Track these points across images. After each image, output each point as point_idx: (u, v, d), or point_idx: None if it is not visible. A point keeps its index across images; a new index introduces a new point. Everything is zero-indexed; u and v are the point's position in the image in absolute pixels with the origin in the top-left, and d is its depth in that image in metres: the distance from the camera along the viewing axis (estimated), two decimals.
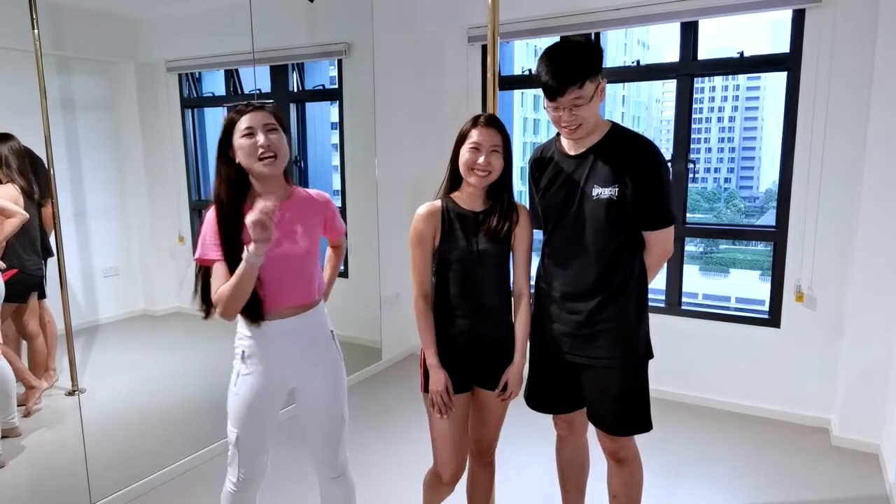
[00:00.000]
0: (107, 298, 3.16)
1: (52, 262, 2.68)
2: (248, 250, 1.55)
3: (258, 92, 3.56)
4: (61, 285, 2.58)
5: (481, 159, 1.75)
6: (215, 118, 3.82)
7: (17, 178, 2.62)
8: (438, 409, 1.84)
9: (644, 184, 1.74)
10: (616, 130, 1.81)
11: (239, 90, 3.85)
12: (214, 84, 3.85)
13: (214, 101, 3.85)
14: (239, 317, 1.72)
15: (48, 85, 2.38)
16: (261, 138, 1.62)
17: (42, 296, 2.82)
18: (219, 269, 1.65)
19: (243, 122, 1.64)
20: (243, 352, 1.74)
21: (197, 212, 3.72)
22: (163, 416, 3.18)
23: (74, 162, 2.94)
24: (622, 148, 1.78)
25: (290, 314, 1.74)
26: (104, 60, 3.11)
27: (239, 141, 1.64)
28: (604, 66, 1.75)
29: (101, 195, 3.11)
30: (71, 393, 2.82)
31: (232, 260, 1.62)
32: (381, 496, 2.61)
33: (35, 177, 2.65)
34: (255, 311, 1.68)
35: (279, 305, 1.72)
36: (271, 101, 1.72)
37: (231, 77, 3.84)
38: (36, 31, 2.32)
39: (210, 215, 1.68)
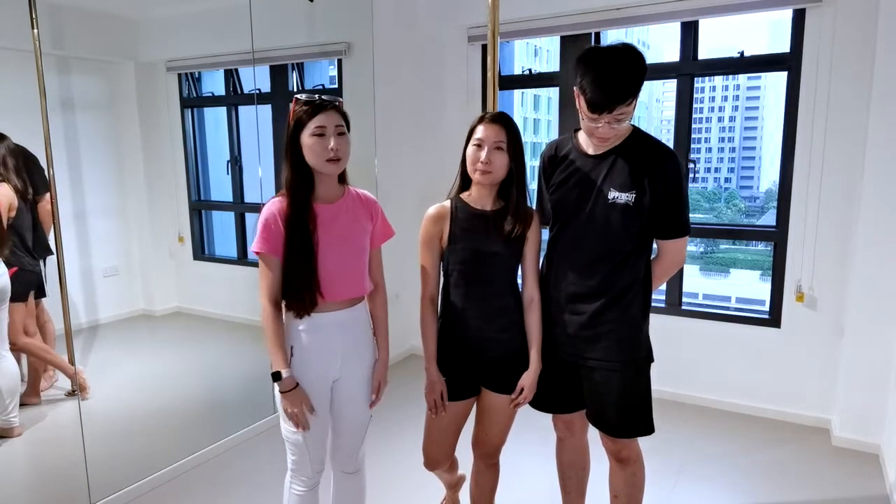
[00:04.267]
0: (106, 298, 3.16)
1: (51, 262, 2.67)
2: (282, 384, 1.69)
3: (258, 91, 3.56)
4: (61, 285, 2.57)
5: (483, 155, 1.73)
6: (215, 118, 3.82)
7: (13, 178, 2.61)
8: (430, 409, 1.88)
9: (664, 193, 1.72)
10: (637, 134, 1.79)
11: (239, 90, 3.85)
12: (214, 84, 3.85)
13: (214, 100, 3.84)
14: (285, 312, 1.76)
15: (48, 85, 2.37)
16: (331, 141, 1.65)
17: (42, 295, 2.82)
18: (271, 263, 1.68)
19: (316, 121, 1.65)
20: (292, 347, 1.75)
21: (197, 212, 3.72)
22: (163, 416, 3.17)
23: (74, 162, 2.94)
24: (643, 153, 1.75)
25: (342, 307, 1.77)
26: (104, 60, 3.10)
27: (308, 139, 1.65)
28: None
29: (100, 195, 3.11)
30: (71, 393, 2.82)
31: (296, 251, 1.67)
32: (379, 495, 2.61)
33: (29, 175, 2.65)
34: (307, 304, 1.70)
35: (331, 299, 1.74)
36: (340, 98, 1.74)
37: (231, 77, 3.83)
38: (35, 30, 2.32)
39: (271, 207, 1.70)
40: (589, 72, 1.65)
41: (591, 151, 1.81)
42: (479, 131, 1.75)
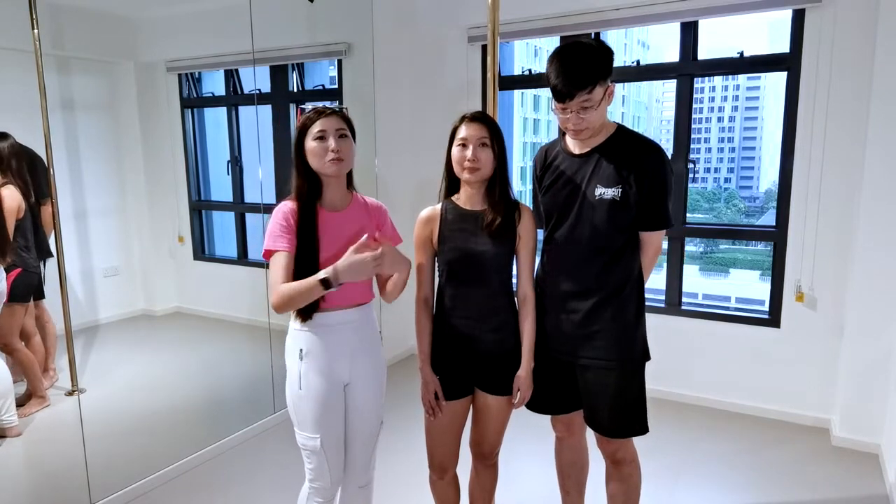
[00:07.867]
0: (107, 298, 3.16)
1: (51, 263, 2.68)
2: (333, 276, 1.58)
3: (258, 92, 3.56)
4: (61, 285, 2.58)
5: (469, 153, 1.75)
6: (215, 118, 3.82)
7: (16, 179, 2.62)
8: (427, 411, 1.88)
9: (649, 186, 1.74)
10: (622, 131, 1.81)
11: (239, 90, 3.85)
12: (214, 84, 3.85)
13: (214, 101, 3.85)
14: (292, 313, 1.74)
15: (48, 85, 2.38)
16: (332, 143, 1.68)
17: (40, 296, 2.82)
18: (281, 259, 1.67)
19: (317, 126, 1.69)
20: (301, 350, 1.73)
21: (197, 212, 3.72)
22: (163, 416, 3.18)
23: (74, 162, 2.94)
24: (627, 149, 1.77)
25: (348, 307, 1.77)
26: (104, 60, 3.11)
27: (311, 143, 1.69)
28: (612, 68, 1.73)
29: (100, 195, 3.11)
30: (71, 393, 2.82)
31: (301, 253, 1.67)
32: (380, 496, 2.61)
33: (34, 176, 2.65)
34: (309, 308, 1.69)
35: (333, 304, 1.74)
36: (344, 105, 1.75)
37: (231, 77, 3.83)
38: (36, 31, 2.32)
39: (282, 207, 1.72)
40: (552, 63, 1.71)
41: (577, 151, 1.83)
42: (462, 130, 1.78)
